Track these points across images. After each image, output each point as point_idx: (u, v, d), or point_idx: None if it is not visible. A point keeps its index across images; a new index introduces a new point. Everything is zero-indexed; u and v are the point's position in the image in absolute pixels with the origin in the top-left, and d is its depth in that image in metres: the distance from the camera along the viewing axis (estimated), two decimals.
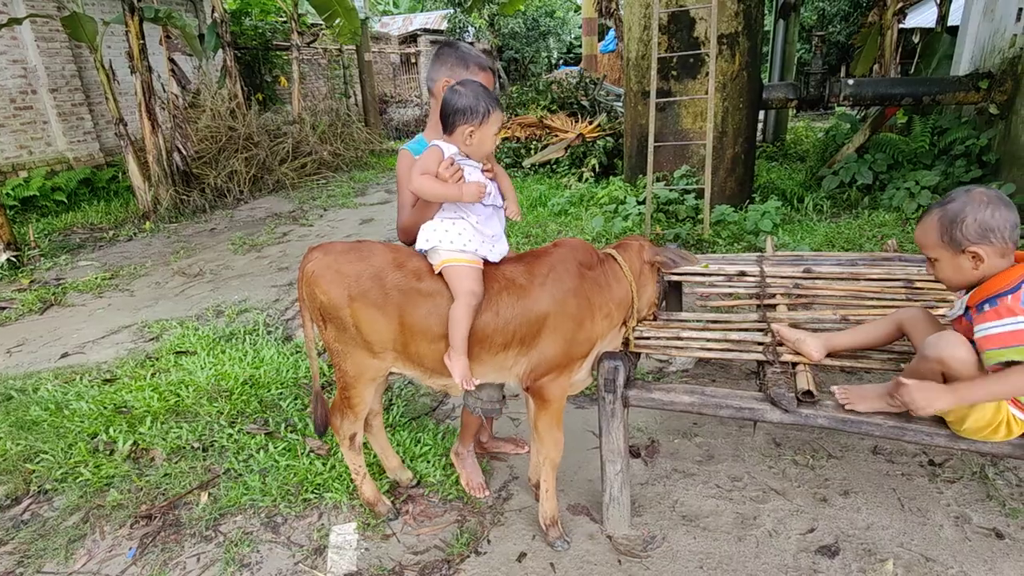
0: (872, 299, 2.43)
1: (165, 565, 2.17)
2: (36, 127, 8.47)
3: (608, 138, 8.32)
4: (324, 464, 2.61)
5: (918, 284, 2.47)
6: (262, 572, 2.12)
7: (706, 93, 5.52)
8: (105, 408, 3.10)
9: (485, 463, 2.63)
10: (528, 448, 2.66)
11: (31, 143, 8.42)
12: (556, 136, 9.02)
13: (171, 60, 8.10)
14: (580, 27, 16.69)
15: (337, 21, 10.56)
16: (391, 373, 2.04)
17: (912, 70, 9.34)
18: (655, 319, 2.32)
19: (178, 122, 7.81)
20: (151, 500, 2.48)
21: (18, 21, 6.97)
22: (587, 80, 10.48)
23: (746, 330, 2.24)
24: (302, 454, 2.68)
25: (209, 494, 2.49)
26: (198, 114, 8.80)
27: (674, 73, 5.93)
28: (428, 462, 2.62)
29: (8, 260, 5.69)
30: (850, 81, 6.10)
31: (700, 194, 5.72)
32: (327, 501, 2.43)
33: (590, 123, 8.97)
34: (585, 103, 9.80)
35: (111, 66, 7.24)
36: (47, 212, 7.87)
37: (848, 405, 1.79)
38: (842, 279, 2.64)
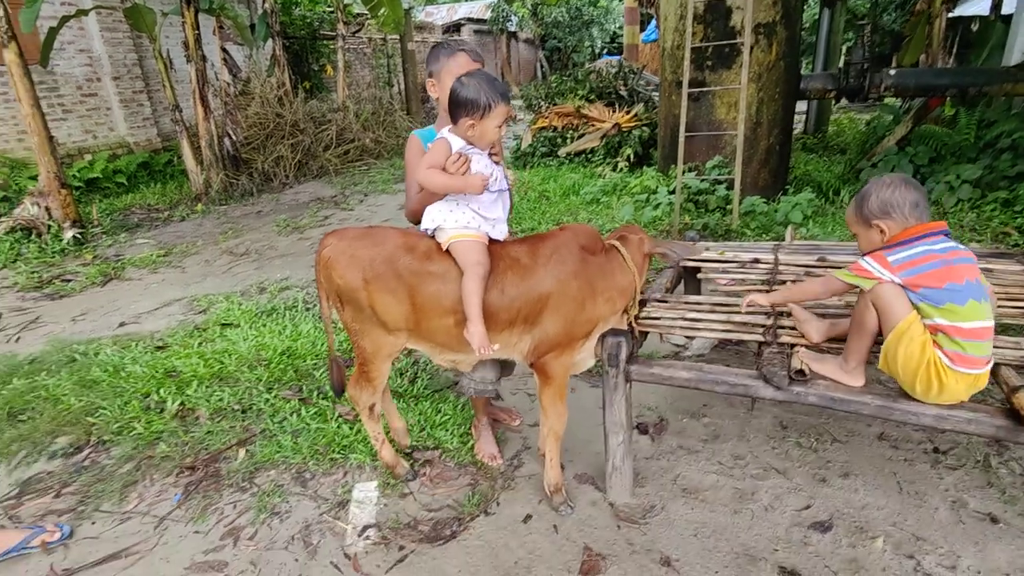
0: None
1: (205, 510, 2.41)
2: (100, 113, 8.99)
3: (644, 128, 8.31)
4: (351, 428, 2.81)
5: None
6: (290, 520, 2.33)
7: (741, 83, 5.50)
8: (157, 372, 3.38)
9: (501, 433, 2.79)
10: (520, 421, 2.85)
11: (95, 128, 8.95)
12: (592, 126, 9.05)
13: (223, 49, 8.48)
14: (624, 16, 16.53)
15: (382, 11, 10.78)
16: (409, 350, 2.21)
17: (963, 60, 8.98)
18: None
19: (229, 109, 8.19)
20: (195, 453, 2.73)
21: (84, 12, 7.44)
22: (626, 70, 10.44)
23: (750, 313, 2.31)
24: (331, 419, 2.89)
25: (246, 450, 2.73)
26: (248, 101, 9.19)
27: (709, 63, 5.92)
28: (447, 430, 2.79)
29: (74, 237, 6.12)
30: (892, 71, 5.97)
31: (732, 184, 5.71)
32: (352, 461, 2.64)
33: (627, 113, 8.96)
34: (623, 93, 9.78)
35: (168, 55, 7.65)
36: (109, 193, 8.38)
37: (806, 363, 1.95)
38: None
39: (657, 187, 6.35)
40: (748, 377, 2.00)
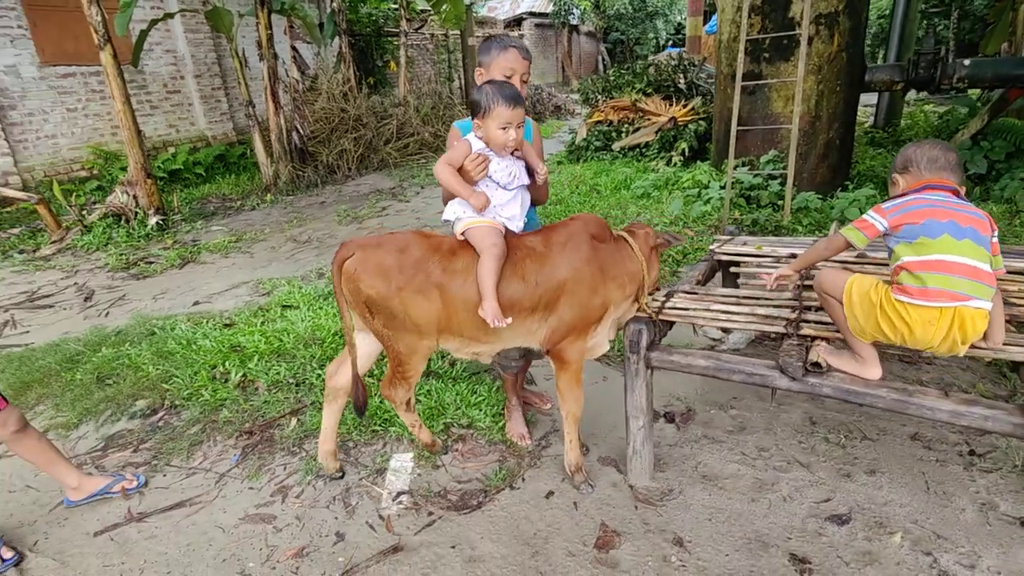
0: None
1: (259, 470, 2.66)
2: (183, 109, 9.68)
3: (701, 122, 8.21)
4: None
5: None
6: (332, 483, 2.55)
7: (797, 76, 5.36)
8: (223, 346, 3.70)
9: (531, 416, 2.92)
10: (550, 405, 2.97)
11: (178, 123, 9.65)
12: (648, 120, 8.99)
13: (293, 48, 8.95)
14: (687, 7, 16.18)
15: (443, 7, 11.05)
16: None
17: None
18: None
19: (297, 104, 8.64)
20: (252, 420, 3.00)
21: (171, 15, 8.02)
22: (686, 62, 10.28)
23: (775, 306, 2.34)
24: (375, 395, 3.10)
25: (298, 419, 2.98)
26: (315, 97, 9.65)
27: (766, 55, 5.80)
28: (480, 410, 2.94)
29: (157, 223, 6.67)
30: (966, 61, 5.66)
31: (785, 180, 5.59)
32: (391, 433, 2.84)
33: (684, 106, 8.86)
34: (682, 86, 9.66)
35: (243, 54, 8.15)
36: (189, 183, 9.03)
37: (823, 356, 1.97)
38: None
39: (709, 182, 6.29)
40: (765, 367, 2.05)
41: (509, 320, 2.03)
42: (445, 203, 2.28)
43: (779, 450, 2.57)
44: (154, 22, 7.67)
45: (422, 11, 13.13)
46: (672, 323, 2.45)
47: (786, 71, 5.71)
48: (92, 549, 2.29)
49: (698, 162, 7.26)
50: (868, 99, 11.42)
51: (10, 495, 2.63)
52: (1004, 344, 1.81)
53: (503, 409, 2.90)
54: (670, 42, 23.65)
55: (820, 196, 5.65)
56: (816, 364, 1.98)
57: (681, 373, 2.27)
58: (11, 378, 3.55)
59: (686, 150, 7.86)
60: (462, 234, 2.06)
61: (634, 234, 2.26)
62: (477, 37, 14.19)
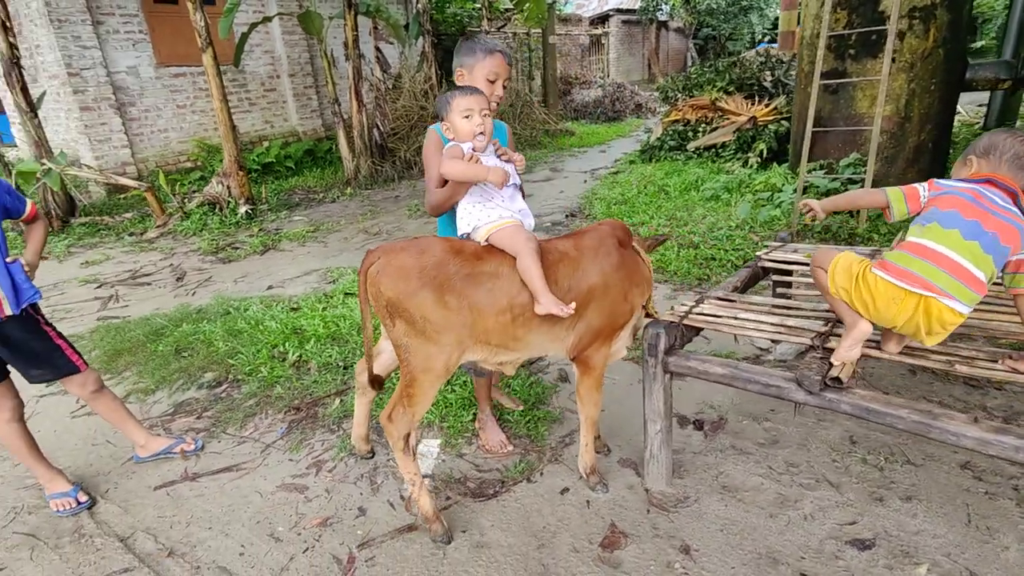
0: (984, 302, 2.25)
1: (300, 443, 2.87)
2: (277, 106, 10.38)
3: (783, 122, 7.82)
4: None
5: None
6: (363, 461, 2.71)
7: (888, 73, 5.02)
8: (286, 328, 3.99)
9: (559, 413, 2.96)
10: (522, 406, 2.95)
11: (273, 119, 10.35)
12: (727, 119, 8.68)
13: (377, 48, 9.37)
14: (781, 1, 15.40)
15: (526, 5, 11.17)
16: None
17: None
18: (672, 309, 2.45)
19: (379, 102, 9.04)
20: (301, 397, 3.23)
21: (269, 19, 8.62)
22: (774, 59, 9.81)
23: (806, 317, 2.26)
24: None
25: (340, 400, 3.17)
26: (397, 95, 10.06)
27: (851, 52, 5.46)
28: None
29: (246, 211, 7.23)
30: None
31: (870, 184, 5.25)
32: (424, 420, 2.96)
33: (767, 106, 8.47)
34: (767, 84, 9.24)
35: (332, 54, 8.63)
36: (279, 175, 9.68)
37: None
38: None
39: (783, 185, 6.01)
40: (782, 379, 1.99)
41: (573, 305, 1.99)
42: (435, 212, 2.25)
43: (809, 467, 2.46)
44: (254, 25, 8.29)
45: (505, 10, 13.31)
46: (699, 329, 2.41)
47: (873, 69, 5.35)
48: (150, 501, 2.57)
49: (775, 164, 6.94)
50: (981, 98, 10.43)
51: (93, 447, 2.99)
52: None
53: (474, 421, 2.86)
54: (766, 37, 22.57)
55: None
56: (836, 379, 1.89)
57: (712, 381, 2.23)
58: (107, 345, 4.01)
59: (764, 151, 7.52)
60: (486, 240, 2.05)
61: (639, 242, 2.27)
62: (559, 35, 14.21)
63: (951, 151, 6.14)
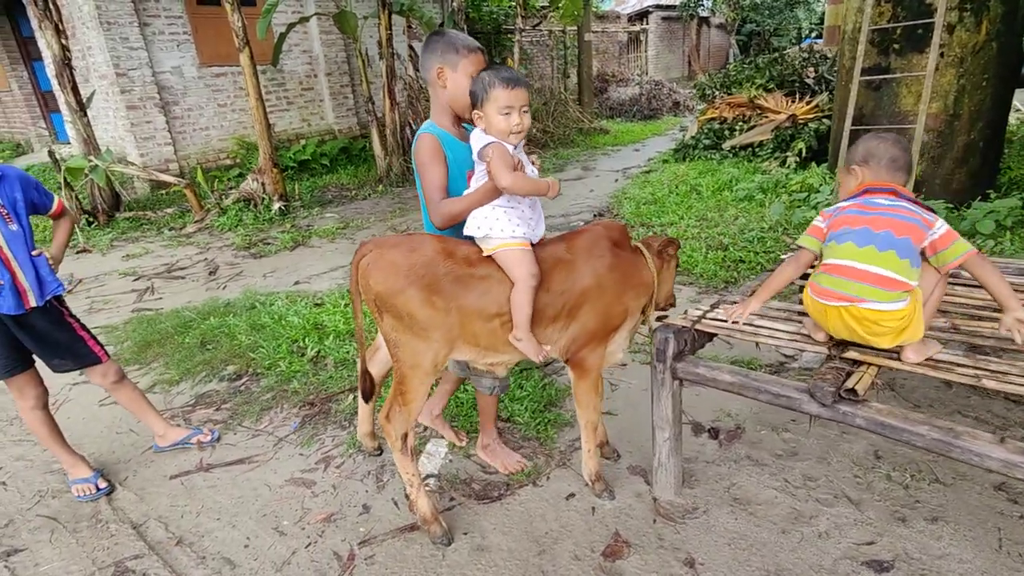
0: None
1: (312, 438, 2.90)
2: (314, 104, 10.57)
3: (824, 120, 7.54)
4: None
5: None
6: (370, 459, 2.71)
7: (935, 69, 4.77)
8: (308, 324, 4.04)
9: (570, 416, 2.90)
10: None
11: (310, 117, 10.54)
12: (766, 117, 8.42)
13: (411, 47, 9.43)
14: None
15: (561, 3, 11.10)
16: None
17: None
18: (673, 306, 2.38)
19: (412, 100, 9.10)
20: (316, 393, 3.26)
21: (307, 19, 8.78)
22: (817, 55, 9.48)
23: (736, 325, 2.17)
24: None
25: (354, 396, 3.19)
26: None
27: (896, 46, 5.21)
28: (522, 404, 2.98)
29: (280, 208, 7.38)
30: None
31: (915, 185, 5.01)
32: None
33: (808, 103, 8.18)
34: (810, 81, 8.93)
35: (366, 53, 8.73)
36: (315, 173, 9.86)
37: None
38: None
39: (820, 185, 5.79)
40: (794, 389, 1.89)
41: (548, 348, 2.03)
42: (448, 224, 2.04)
43: (828, 482, 2.35)
44: (292, 25, 8.45)
45: (541, 8, 13.24)
46: (712, 335, 2.32)
47: (919, 64, 5.08)
48: (165, 490, 2.63)
49: (814, 164, 6.69)
50: None
51: (116, 435, 3.08)
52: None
53: (477, 450, 2.66)
54: (812, 33, 21.86)
55: (952, 205, 5.01)
56: (852, 391, 1.79)
57: (721, 389, 2.14)
58: (138, 336, 4.14)
59: (803, 151, 7.27)
60: (492, 252, 1.95)
61: (649, 245, 2.18)
62: (594, 32, 14.06)
63: (1006, 151, 5.81)
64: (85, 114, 7.25)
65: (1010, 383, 1.70)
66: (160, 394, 3.42)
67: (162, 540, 2.34)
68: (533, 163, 2.08)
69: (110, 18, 8.01)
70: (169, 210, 7.82)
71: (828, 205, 5.22)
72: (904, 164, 1.89)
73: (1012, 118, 9.05)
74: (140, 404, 2.80)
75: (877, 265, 1.77)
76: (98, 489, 2.61)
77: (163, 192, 8.53)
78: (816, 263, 2.00)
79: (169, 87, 8.79)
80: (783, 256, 2.93)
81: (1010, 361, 1.80)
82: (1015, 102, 9.07)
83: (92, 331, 2.65)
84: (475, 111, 1.94)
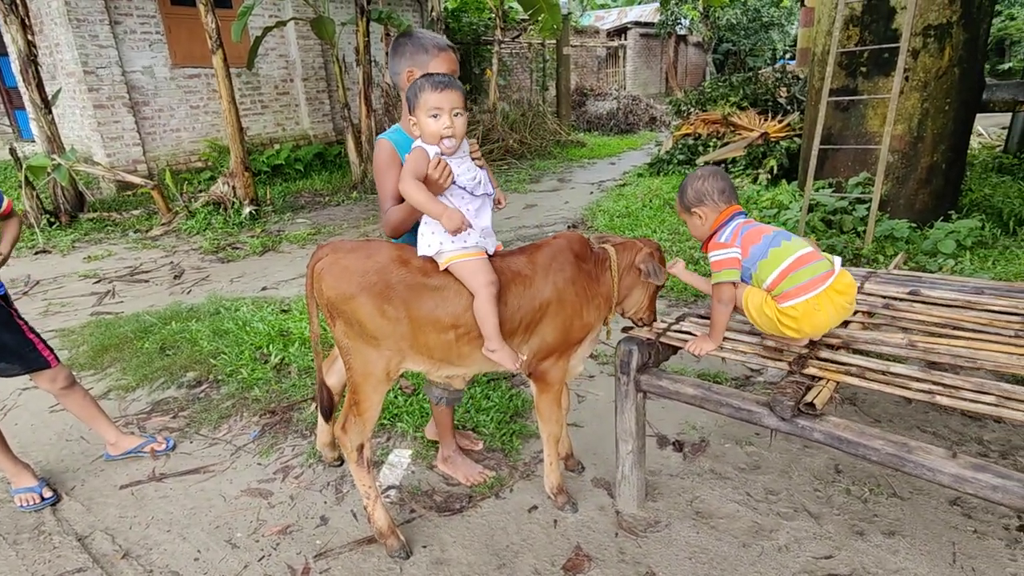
0: (967, 331, 2.15)
1: (271, 448, 2.82)
2: (290, 109, 10.46)
3: (795, 139, 7.70)
4: (405, 400, 3.08)
5: None
6: (330, 469, 2.65)
7: (900, 92, 4.90)
8: (273, 330, 3.96)
9: (535, 428, 2.87)
10: (480, 445, 2.76)
11: (285, 122, 10.43)
12: (739, 134, 8.58)
13: (388, 54, 9.39)
14: (800, 18, 15.27)
15: (541, 16, 11.18)
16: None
17: None
18: (651, 324, 2.28)
19: (389, 108, 9.06)
20: (278, 401, 3.19)
21: (284, 23, 8.70)
22: (790, 76, 9.71)
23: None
24: (392, 389, 3.18)
25: (316, 406, 3.12)
26: None
27: (863, 69, 5.35)
28: (488, 416, 2.94)
29: (250, 212, 7.26)
30: None
31: (879, 205, 5.12)
32: (398, 428, 2.90)
33: (780, 122, 8.36)
34: (782, 100, 9.14)
35: (343, 59, 8.68)
36: (289, 178, 9.73)
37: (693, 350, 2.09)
38: (950, 306, 2.36)
39: (790, 203, 5.89)
40: (755, 403, 1.90)
41: (524, 357, 1.99)
42: (396, 233, 2.03)
43: (789, 495, 2.36)
44: (267, 29, 8.37)
45: (521, 20, 13.34)
46: (676, 349, 2.32)
47: (885, 87, 5.23)
48: (114, 500, 2.53)
49: (784, 181, 6.82)
50: (1005, 120, 10.22)
51: (66, 443, 2.96)
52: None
53: (433, 464, 2.63)
54: (787, 54, 22.41)
55: (915, 224, 5.13)
56: (810, 405, 1.80)
57: (683, 402, 2.14)
58: (95, 341, 4.00)
59: (775, 168, 7.41)
60: (446, 267, 1.90)
61: (626, 248, 2.15)
62: (573, 46, 14.22)
63: (967, 173, 5.99)
64: (50, 112, 7.06)
65: (962, 399, 1.72)
66: (115, 401, 3.31)
67: (108, 553, 2.24)
68: (487, 177, 2.01)
69: (80, 15, 7.83)
70: (135, 212, 7.64)
71: (797, 222, 5.33)
72: (731, 191, 2.05)
73: (974, 141, 9.39)
74: (91, 411, 2.70)
75: (801, 248, 1.93)
76: (43, 499, 2.50)
77: (130, 193, 8.33)
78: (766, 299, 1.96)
79: (139, 87, 8.61)
80: None
81: (964, 377, 1.83)
82: (976, 126, 9.41)
83: (43, 335, 2.55)
84: (409, 117, 1.87)
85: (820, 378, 1.93)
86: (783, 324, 1.92)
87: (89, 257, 6.14)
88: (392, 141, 2.05)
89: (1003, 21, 19.13)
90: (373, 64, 8.62)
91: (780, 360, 2.04)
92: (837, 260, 1.94)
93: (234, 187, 7.26)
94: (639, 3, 22.92)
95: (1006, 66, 18.96)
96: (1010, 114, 7.84)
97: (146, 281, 5.41)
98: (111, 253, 6.29)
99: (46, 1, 8.06)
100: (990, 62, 19.01)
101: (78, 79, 8.05)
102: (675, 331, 2.29)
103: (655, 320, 2.29)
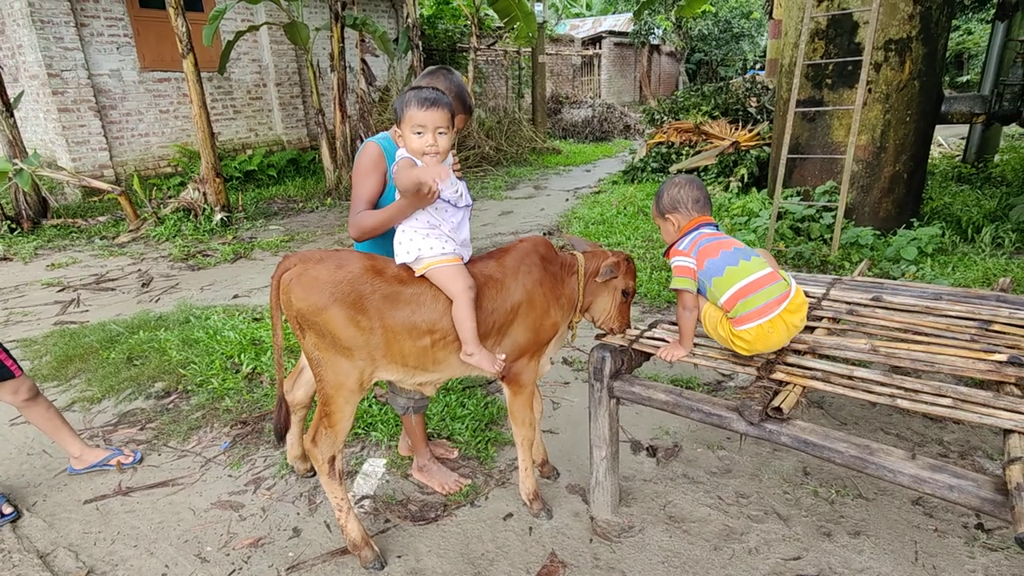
0: (927, 335, 2.22)
1: (242, 459, 2.78)
2: (263, 114, 10.33)
3: (765, 148, 7.88)
4: (380, 409, 3.07)
5: (996, 327, 2.21)
6: (303, 480, 2.62)
7: (863, 104, 5.06)
8: (245, 339, 3.90)
9: (511, 435, 2.88)
10: (456, 453, 2.75)
11: (258, 127, 10.30)
12: (711, 143, 8.74)
13: (363, 60, 9.36)
14: (768, 30, 15.63)
15: (516, 24, 11.25)
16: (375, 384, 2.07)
17: None
18: (623, 332, 2.29)
19: (363, 114, 9.02)
20: (250, 411, 3.14)
21: (256, 27, 8.61)
22: (760, 86, 9.93)
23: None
24: (367, 398, 3.16)
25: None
26: (384, 108, 10.05)
27: (828, 81, 5.51)
28: (463, 423, 2.94)
29: (221, 219, 7.14)
30: None
31: (845, 213, 5.26)
32: (372, 438, 2.88)
33: (750, 131, 8.54)
34: (752, 110, 9.34)
35: (317, 65, 8.62)
36: (261, 184, 9.61)
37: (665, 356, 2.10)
38: (911, 311, 2.43)
39: (760, 210, 6.02)
40: (725, 408, 1.93)
41: (503, 357, 2.01)
42: (364, 236, 2.02)
43: (759, 498, 2.40)
44: (240, 33, 8.27)
45: (496, 28, 13.41)
46: (648, 355, 2.35)
47: (849, 98, 5.39)
48: (78, 516, 2.46)
49: (754, 189, 6.97)
50: (964, 131, 10.59)
51: (28, 457, 2.88)
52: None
53: (408, 474, 2.61)
54: (757, 65, 22.91)
55: (879, 232, 5.29)
56: (778, 409, 1.84)
57: (656, 408, 2.17)
58: (59, 351, 3.90)
59: (745, 176, 7.57)
60: (422, 273, 1.92)
61: (595, 256, 2.19)
62: (549, 55, 14.33)
63: (927, 182, 6.19)
64: (12, 115, 6.87)
65: (922, 402, 1.78)
66: (80, 413, 3.22)
67: (71, 570, 2.18)
68: (467, 189, 2.03)
69: (44, 16, 7.64)
70: (102, 218, 7.46)
71: (767, 230, 5.45)
72: (705, 200, 2.10)
73: (934, 151, 9.71)
74: (55, 424, 2.63)
75: (760, 269, 1.96)
76: (2, 515, 2.42)
77: (96, 199, 8.12)
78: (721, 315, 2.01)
79: (107, 90, 8.43)
80: None
81: (924, 381, 1.90)
82: (936, 136, 9.73)
83: (5, 344, 2.48)
84: (395, 128, 1.89)
85: (787, 383, 1.98)
86: (736, 345, 1.99)
87: (53, 265, 5.97)
88: (382, 146, 2.05)
89: (960, 36, 19.86)
90: (348, 70, 8.58)
91: (749, 365, 2.09)
92: (792, 280, 2.00)
93: (205, 193, 7.14)
94: (613, 12, 23.22)
95: (964, 79, 19.68)
96: (967, 125, 8.16)
97: (113, 289, 5.28)
98: (76, 260, 6.13)
99: (8, 2, 7.84)
100: (949, 75, 19.71)
101: (42, 82, 7.84)
102: (648, 338, 2.32)
103: (628, 327, 2.32)
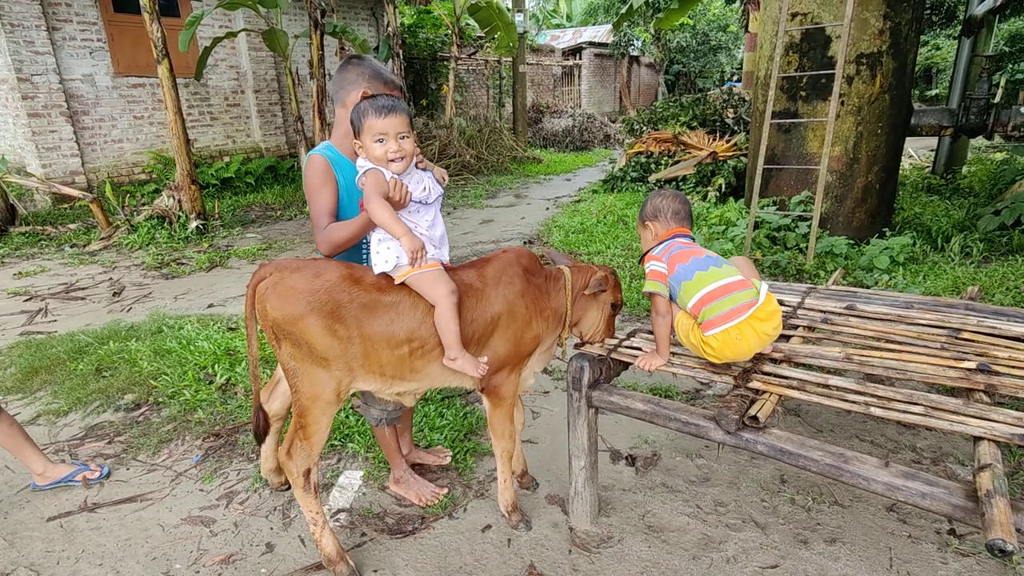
0: (899, 343, 2.25)
1: (215, 472, 2.71)
2: (241, 121, 10.22)
3: (742, 158, 8.00)
4: (357, 420, 3.02)
5: (965, 335, 2.25)
6: (277, 493, 2.56)
7: (836, 116, 5.16)
8: (219, 349, 3.82)
9: (489, 446, 2.85)
10: (448, 457, 2.72)
11: (235, 134, 10.18)
12: (689, 153, 8.84)
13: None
14: (745, 43, 15.94)
15: (497, 34, 11.32)
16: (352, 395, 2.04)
17: None
18: (602, 342, 2.30)
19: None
20: (223, 423, 3.07)
21: (234, 34, 8.53)
22: (736, 97, 10.10)
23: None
24: (344, 409, 3.12)
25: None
26: None
27: (803, 94, 5.61)
28: (442, 434, 2.91)
29: (197, 227, 7.02)
30: (1023, 108, 5.29)
31: (820, 222, 5.35)
32: (348, 450, 2.84)
33: (727, 142, 8.67)
34: (729, 121, 9.48)
35: (297, 72, 8.55)
36: (239, 191, 9.48)
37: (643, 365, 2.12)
38: (883, 320, 2.47)
39: (737, 219, 6.09)
40: (702, 417, 1.94)
41: (485, 359, 1.98)
42: (335, 251, 2.00)
43: (737, 507, 2.41)
44: (217, 40, 8.18)
45: (477, 37, 13.47)
46: (627, 364, 2.35)
47: (823, 110, 5.50)
48: (41, 534, 2.38)
49: (732, 199, 7.06)
50: (930, 143, 10.87)
51: None
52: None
53: (385, 485, 2.58)
54: (734, 77, 23.30)
55: (853, 241, 5.38)
56: (754, 418, 1.85)
57: (634, 417, 2.16)
58: (24, 363, 3.78)
59: (723, 186, 7.67)
60: (402, 281, 1.90)
61: (581, 271, 2.19)
62: (529, 64, 14.42)
63: (899, 193, 6.33)
64: None
65: (894, 410, 1.80)
66: (45, 427, 3.12)
67: None
68: (432, 180, 2.01)
69: (14, 20, 7.49)
70: (72, 226, 7.29)
71: (744, 239, 5.52)
72: (685, 214, 2.16)
73: (905, 163, 9.94)
74: (17, 439, 2.54)
75: (730, 276, 2.00)
76: None
77: (67, 206, 7.95)
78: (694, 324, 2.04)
79: (79, 96, 8.27)
80: None
81: (896, 389, 1.92)
82: (907, 148, 9.98)
83: None
84: (355, 140, 1.87)
85: (764, 391, 1.99)
86: (706, 352, 2.00)
87: (20, 273, 5.82)
88: (327, 157, 2.03)
89: (929, 51, 20.44)
90: (327, 77, 8.52)
91: (726, 374, 2.10)
92: (764, 288, 2.00)
93: (180, 200, 7.02)
94: (593, 24, 23.47)
95: (933, 92, 20.24)
96: (936, 138, 8.37)
97: (82, 298, 5.15)
98: (44, 269, 5.97)
99: None
100: (918, 89, 20.26)
101: (11, 86, 7.66)
102: (626, 347, 2.33)
103: (610, 334, 2.33)
